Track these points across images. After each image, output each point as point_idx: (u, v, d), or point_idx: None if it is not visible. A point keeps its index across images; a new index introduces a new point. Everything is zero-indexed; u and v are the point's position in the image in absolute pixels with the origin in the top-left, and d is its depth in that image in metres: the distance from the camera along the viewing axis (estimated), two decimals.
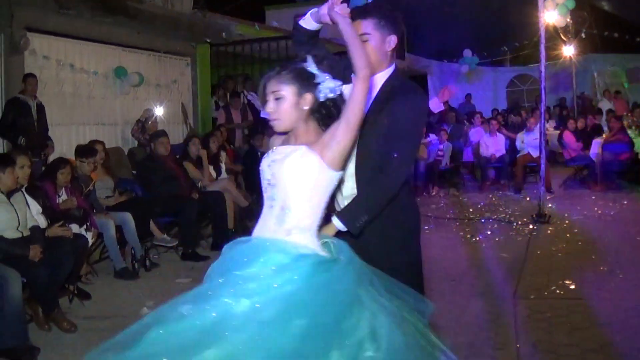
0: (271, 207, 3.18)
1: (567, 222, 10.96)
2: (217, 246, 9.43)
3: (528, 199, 13.44)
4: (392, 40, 3.58)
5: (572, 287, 7.13)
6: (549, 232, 10.31)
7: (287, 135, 3.30)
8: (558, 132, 16.92)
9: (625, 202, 12.66)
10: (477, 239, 9.90)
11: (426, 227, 10.82)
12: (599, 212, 11.72)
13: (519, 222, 10.97)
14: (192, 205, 9.18)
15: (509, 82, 28.39)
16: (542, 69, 11.32)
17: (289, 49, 14.34)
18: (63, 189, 7.45)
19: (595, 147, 14.77)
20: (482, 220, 11.33)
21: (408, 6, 18.17)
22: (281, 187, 3.14)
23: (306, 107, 3.18)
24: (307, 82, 3.18)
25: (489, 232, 10.33)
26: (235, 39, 14.29)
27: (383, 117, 3.42)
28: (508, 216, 11.56)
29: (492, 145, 15.61)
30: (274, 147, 3.29)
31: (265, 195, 3.23)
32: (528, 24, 16.91)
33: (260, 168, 3.25)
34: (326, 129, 3.15)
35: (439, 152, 15.75)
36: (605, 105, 20.88)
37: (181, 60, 13.43)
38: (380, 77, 3.55)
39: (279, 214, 3.15)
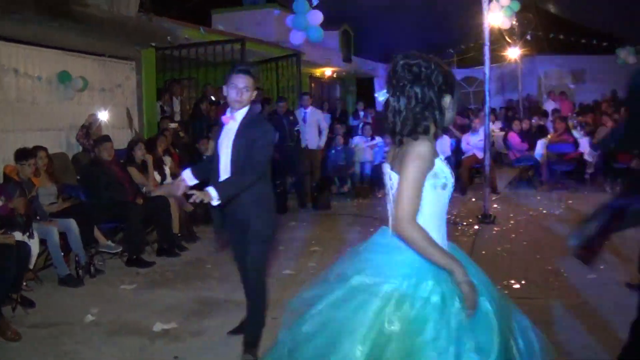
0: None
1: (512, 222, 11.07)
2: (162, 252, 9.37)
3: (473, 199, 13.56)
4: (256, 93, 5.75)
5: (517, 286, 7.21)
6: (494, 232, 10.41)
7: None
8: (503, 133, 17.10)
9: (570, 202, 12.84)
10: None
11: (372, 229, 10.83)
12: (544, 212, 11.87)
13: (464, 223, 11.06)
14: (137, 211, 9.10)
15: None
16: (487, 70, 11.41)
17: (234, 53, 14.30)
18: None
19: (540, 148, 14.95)
20: None
21: (355, 10, 18.26)
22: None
23: None
24: None
25: None
26: (180, 42, 14.21)
27: (246, 138, 5.19)
28: (453, 217, 11.57)
29: (438, 146, 15.63)
30: None
31: None
32: (474, 27, 17.05)
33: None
34: None
35: (384, 155, 15.81)
36: (550, 105, 21.12)
37: (126, 64, 13.25)
38: (241, 113, 5.30)
39: None
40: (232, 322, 6.14)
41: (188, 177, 5.37)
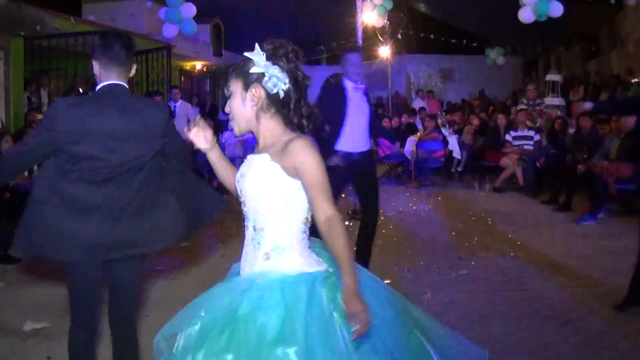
0: (246, 226, 2.99)
1: (382, 218, 11.04)
2: None
3: (344, 195, 13.52)
4: None
5: (388, 281, 7.13)
6: None
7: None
8: None
9: (440, 198, 13.00)
10: None
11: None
12: (414, 208, 11.95)
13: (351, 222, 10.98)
14: (2, 206, 8.58)
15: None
16: None
17: None
18: None
19: (410, 145, 15.07)
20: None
21: (227, 3, 18.03)
22: (248, 203, 2.95)
23: (255, 101, 2.92)
24: (250, 77, 2.93)
25: None
26: (50, 32, 13.62)
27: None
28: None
29: None
30: (249, 156, 3.03)
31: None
32: (345, 24, 17.12)
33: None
34: (292, 126, 2.94)
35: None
36: (418, 104, 21.42)
37: None
38: None
39: (254, 236, 2.95)
40: (104, 319, 5.84)
41: None
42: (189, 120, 13.78)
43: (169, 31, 12.47)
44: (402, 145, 14.86)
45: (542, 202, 12.05)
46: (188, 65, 23.13)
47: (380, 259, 8.20)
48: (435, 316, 5.82)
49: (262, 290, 2.76)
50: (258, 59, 2.92)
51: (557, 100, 16.47)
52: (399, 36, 21.49)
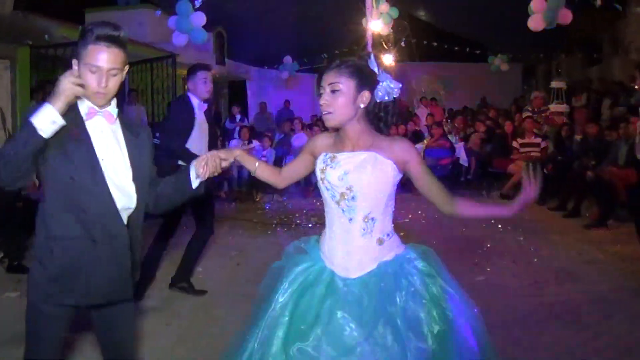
0: (350, 220, 3.15)
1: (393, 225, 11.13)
2: None
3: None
4: None
5: None
6: None
7: (337, 141, 3.26)
8: None
9: None
10: None
11: (255, 233, 10.84)
12: (424, 215, 11.98)
13: None
14: (16, 215, 8.63)
15: None
16: None
17: None
18: None
19: None
20: (310, 225, 11.34)
21: (230, 12, 18.09)
22: (362, 197, 3.10)
23: (362, 105, 3.14)
24: (367, 79, 3.13)
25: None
26: (57, 41, 13.71)
27: None
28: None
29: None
30: (333, 156, 3.20)
31: (337, 207, 3.18)
32: (349, 32, 17.18)
33: (324, 180, 3.21)
34: (378, 132, 3.20)
35: (262, 158, 15.73)
36: (422, 112, 21.47)
37: (0, 63, 12.73)
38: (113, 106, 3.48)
39: (366, 226, 3.14)
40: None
41: None
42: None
43: (179, 40, 12.53)
44: None
45: (551, 209, 12.14)
46: None
47: None
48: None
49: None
50: (374, 67, 3.16)
51: (562, 107, 16.56)
52: (402, 44, 21.57)
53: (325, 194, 3.23)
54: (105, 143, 3.30)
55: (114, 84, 3.27)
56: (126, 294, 3.44)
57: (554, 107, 16.50)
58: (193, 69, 6.96)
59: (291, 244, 3.49)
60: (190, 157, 5.60)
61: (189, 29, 12.25)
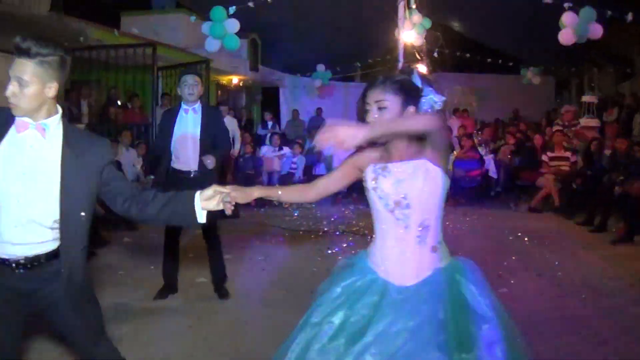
0: (406, 227, 3.20)
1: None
2: None
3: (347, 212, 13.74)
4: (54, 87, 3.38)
5: None
6: None
7: (383, 153, 3.30)
8: None
9: (476, 217, 13.09)
10: (334, 251, 9.86)
11: (282, 239, 10.98)
12: (451, 226, 12.01)
13: (373, 235, 11.09)
14: None
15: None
16: None
17: (146, 57, 14.10)
18: None
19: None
20: (337, 233, 11.40)
21: (264, 19, 18.22)
22: (417, 205, 3.16)
23: None
24: (412, 95, 3.19)
25: (344, 245, 10.30)
26: (92, 44, 13.92)
27: None
28: (362, 229, 11.50)
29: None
30: (384, 166, 3.26)
31: (391, 215, 3.23)
32: (381, 42, 17.26)
33: (377, 189, 3.25)
34: (417, 142, 3.19)
35: (292, 165, 15.90)
36: (454, 123, 21.47)
37: None
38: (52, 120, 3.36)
39: (420, 234, 3.19)
40: (148, 329, 6.05)
41: None
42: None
43: (212, 46, 12.67)
44: None
45: (578, 223, 12.17)
46: (225, 79, 23.24)
47: None
48: None
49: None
50: (418, 82, 3.22)
51: (594, 122, 16.55)
52: (435, 54, 21.56)
53: (378, 204, 3.26)
54: (33, 157, 3.27)
55: (26, 95, 3.20)
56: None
57: (584, 121, 16.49)
58: (179, 75, 7.18)
59: (339, 262, 3.55)
60: (152, 166, 5.76)
61: (222, 35, 12.38)
